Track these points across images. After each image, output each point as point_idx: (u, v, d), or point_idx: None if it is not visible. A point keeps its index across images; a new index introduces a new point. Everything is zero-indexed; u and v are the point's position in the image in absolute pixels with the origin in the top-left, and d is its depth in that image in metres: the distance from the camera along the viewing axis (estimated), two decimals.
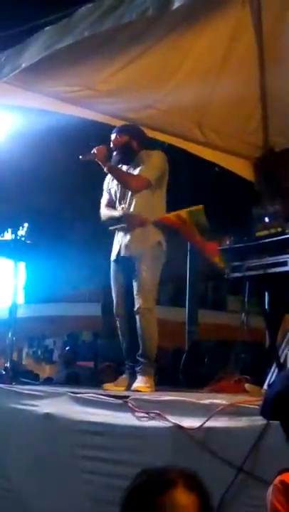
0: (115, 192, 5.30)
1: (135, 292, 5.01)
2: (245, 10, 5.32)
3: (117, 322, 5.26)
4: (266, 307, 5.17)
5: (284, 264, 4.47)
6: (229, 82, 5.68)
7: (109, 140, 5.33)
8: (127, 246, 5.10)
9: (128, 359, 5.15)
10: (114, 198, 5.32)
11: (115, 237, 5.28)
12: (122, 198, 5.23)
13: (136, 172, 5.16)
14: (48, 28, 4.53)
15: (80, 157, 5.24)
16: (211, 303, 18.15)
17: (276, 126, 6.53)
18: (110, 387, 4.93)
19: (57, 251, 14.60)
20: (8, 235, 14.58)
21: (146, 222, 5.09)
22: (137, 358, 4.98)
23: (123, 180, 5.18)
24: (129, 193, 5.18)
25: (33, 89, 5.33)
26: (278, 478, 2.08)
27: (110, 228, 5.28)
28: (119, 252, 5.18)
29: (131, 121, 5.92)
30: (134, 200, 5.14)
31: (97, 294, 16.49)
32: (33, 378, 9.38)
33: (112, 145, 5.25)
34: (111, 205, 5.35)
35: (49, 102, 5.56)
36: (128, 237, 5.12)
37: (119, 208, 5.24)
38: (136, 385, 4.84)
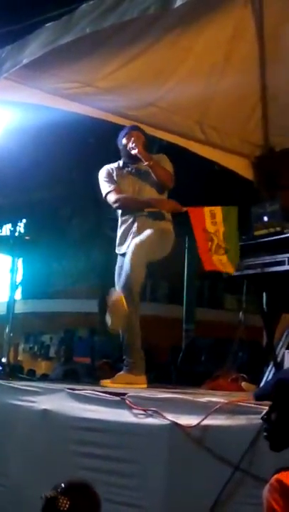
0: (130, 186, 5.34)
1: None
2: (246, 9, 5.32)
3: None
4: (264, 306, 5.17)
5: (282, 263, 4.47)
6: (230, 81, 5.69)
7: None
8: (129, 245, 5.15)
9: (124, 350, 5.19)
10: (128, 191, 5.35)
11: (119, 230, 5.31)
12: (138, 194, 5.28)
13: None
14: (49, 24, 4.53)
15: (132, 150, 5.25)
16: (209, 301, 18.16)
17: (276, 125, 6.54)
18: (108, 384, 4.94)
19: (55, 247, 14.62)
20: (6, 231, 14.61)
21: (178, 207, 5.18)
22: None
23: (163, 175, 5.24)
24: (146, 189, 5.25)
25: (33, 86, 5.32)
26: (275, 476, 2.10)
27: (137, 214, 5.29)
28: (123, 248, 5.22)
29: (131, 118, 5.93)
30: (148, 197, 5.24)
31: (94, 290, 16.48)
32: (28, 374, 9.40)
33: (136, 144, 5.25)
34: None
35: (49, 98, 5.55)
36: (132, 235, 5.17)
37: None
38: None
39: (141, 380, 4.97)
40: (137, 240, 5.07)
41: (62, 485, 2.65)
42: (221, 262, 5.03)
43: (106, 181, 5.38)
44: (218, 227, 5.06)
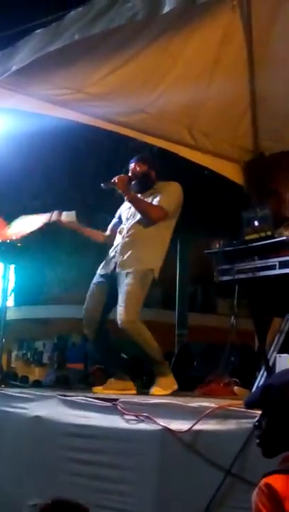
0: (126, 213, 5.32)
1: (118, 304, 5.00)
2: (235, 14, 5.32)
3: (87, 334, 5.35)
4: (255, 310, 5.17)
5: (273, 267, 4.48)
6: (219, 86, 5.71)
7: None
8: (117, 263, 5.12)
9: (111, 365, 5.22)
10: (123, 221, 5.32)
11: (110, 252, 5.29)
12: (132, 218, 5.23)
13: (155, 201, 5.15)
14: (38, 31, 4.55)
15: (102, 185, 5.23)
16: (201, 306, 18.14)
17: (266, 130, 6.57)
18: (99, 391, 4.93)
19: (47, 253, 14.58)
20: None
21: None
22: (148, 366, 5.05)
23: (144, 209, 5.15)
24: (137, 215, 5.19)
25: (23, 92, 5.33)
26: (263, 480, 2.09)
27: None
28: (110, 268, 5.19)
29: (122, 124, 5.94)
30: (140, 225, 5.17)
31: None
32: (21, 381, 9.38)
33: (130, 173, 5.24)
34: (114, 229, 5.40)
35: (40, 104, 5.56)
36: (123, 256, 5.13)
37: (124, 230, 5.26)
38: (153, 389, 4.84)
39: (131, 386, 4.98)
40: (123, 303, 4.99)
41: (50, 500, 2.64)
42: None
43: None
44: None
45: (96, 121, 6.06)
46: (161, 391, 4.74)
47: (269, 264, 4.51)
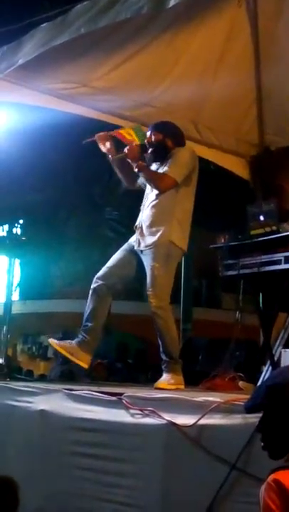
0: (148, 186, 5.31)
1: (148, 289, 5.00)
2: (241, 9, 5.33)
3: (94, 283, 5.25)
4: (260, 305, 5.18)
5: (278, 262, 4.49)
6: (225, 81, 5.70)
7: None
8: (139, 240, 5.11)
9: (84, 324, 5.21)
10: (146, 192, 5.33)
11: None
12: (151, 190, 5.22)
13: (164, 169, 5.12)
14: (44, 24, 4.54)
15: (110, 157, 5.23)
16: (206, 300, 18.13)
17: (271, 124, 6.56)
18: (53, 343, 5.09)
19: (52, 248, 14.59)
20: (2, 232, 14.61)
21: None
22: (161, 355, 4.99)
23: (150, 180, 5.16)
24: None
25: (29, 86, 5.33)
26: (272, 476, 2.09)
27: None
28: (134, 242, 5.18)
29: (127, 118, 5.94)
30: (157, 196, 5.12)
31: None
32: (26, 375, 9.39)
33: (146, 142, 5.23)
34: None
35: (45, 98, 5.55)
36: (143, 230, 5.12)
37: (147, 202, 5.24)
38: (158, 382, 4.85)
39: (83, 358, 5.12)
40: (151, 288, 4.99)
41: None
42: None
43: None
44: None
45: (101, 115, 6.04)
46: (166, 385, 4.74)
47: (274, 259, 4.52)
